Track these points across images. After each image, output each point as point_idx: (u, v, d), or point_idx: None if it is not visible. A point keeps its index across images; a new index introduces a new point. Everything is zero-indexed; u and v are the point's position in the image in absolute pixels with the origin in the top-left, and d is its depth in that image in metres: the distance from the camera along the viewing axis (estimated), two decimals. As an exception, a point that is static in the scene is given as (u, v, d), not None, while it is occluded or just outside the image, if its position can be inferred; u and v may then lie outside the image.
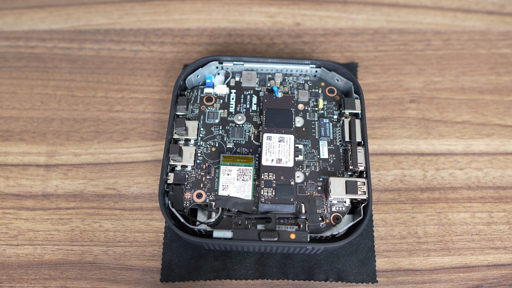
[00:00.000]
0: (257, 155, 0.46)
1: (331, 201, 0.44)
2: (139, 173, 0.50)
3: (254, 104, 0.49)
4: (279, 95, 0.48)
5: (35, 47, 0.58)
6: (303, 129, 0.47)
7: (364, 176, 0.44)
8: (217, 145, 0.46)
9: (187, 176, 0.45)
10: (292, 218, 0.43)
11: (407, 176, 0.50)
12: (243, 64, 0.50)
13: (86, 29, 0.59)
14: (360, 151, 0.45)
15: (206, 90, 0.49)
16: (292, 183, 0.44)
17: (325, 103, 0.49)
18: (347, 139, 0.46)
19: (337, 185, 0.44)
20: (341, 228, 0.43)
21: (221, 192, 0.43)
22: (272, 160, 0.45)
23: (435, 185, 0.50)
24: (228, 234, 0.41)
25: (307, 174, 0.45)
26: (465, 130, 0.53)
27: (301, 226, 0.42)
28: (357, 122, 0.47)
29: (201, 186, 0.44)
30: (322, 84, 0.50)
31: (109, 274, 0.46)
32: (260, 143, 0.47)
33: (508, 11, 0.61)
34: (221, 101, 0.49)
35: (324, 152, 0.46)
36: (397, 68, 0.56)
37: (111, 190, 0.49)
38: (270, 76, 0.50)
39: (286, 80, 0.50)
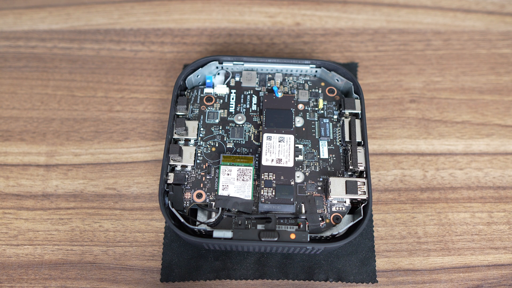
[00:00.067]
0: (257, 155, 0.46)
1: (331, 201, 0.44)
2: (139, 173, 0.50)
3: (254, 104, 0.49)
4: (279, 95, 0.48)
5: (35, 47, 0.58)
6: (303, 129, 0.47)
7: (364, 176, 0.44)
8: (217, 145, 0.46)
9: (187, 176, 0.45)
10: (292, 218, 0.43)
11: (407, 176, 0.50)
12: (243, 64, 0.50)
13: (86, 29, 0.59)
14: (360, 151, 0.45)
15: (206, 90, 0.49)
16: (292, 183, 0.44)
17: (325, 103, 0.49)
18: (347, 139, 0.46)
19: (337, 185, 0.44)
20: (341, 228, 0.43)
21: (221, 192, 0.43)
22: (272, 160, 0.45)
23: (435, 185, 0.50)
24: (228, 234, 0.41)
25: (307, 174, 0.45)
26: (465, 130, 0.53)
27: (301, 226, 0.42)
28: (357, 122, 0.47)
29: (201, 186, 0.44)
30: (322, 84, 0.50)
31: (109, 274, 0.46)
32: (260, 143, 0.47)
33: (508, 11, 0.61)
34: (221, 101, 0.49)
35: (324, 152, 0.46)
36: (397, 68, 0.56)
37: (111, 190, 0.49)
38: (270, 76, 0.50)
39: (286, 80, 0.50)
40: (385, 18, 0.60)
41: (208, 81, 0.49)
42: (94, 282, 0.45)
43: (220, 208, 0.43)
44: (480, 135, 0.53)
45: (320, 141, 0.47)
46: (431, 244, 0.47)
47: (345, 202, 0.44)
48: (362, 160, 0.45)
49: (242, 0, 0.61)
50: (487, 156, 0.51)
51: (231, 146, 0.46)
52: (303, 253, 0.45)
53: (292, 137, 0.46)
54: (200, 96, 0.49)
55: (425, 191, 0.49)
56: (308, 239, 0.41)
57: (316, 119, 0.48)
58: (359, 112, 0.47)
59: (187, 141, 0.46)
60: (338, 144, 0.47)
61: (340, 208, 0.44)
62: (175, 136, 0.46)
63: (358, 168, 0.44)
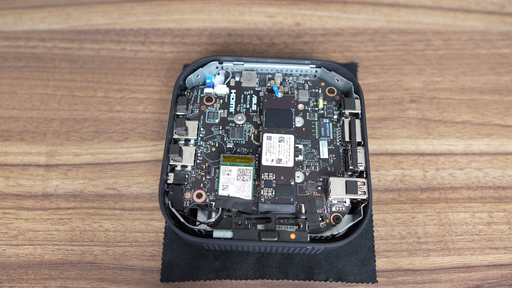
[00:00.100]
0: (257, 155, 0.46)
1: (331, 201, 0.44)
2: (139, 173, 0.50)
3: (254, 104, 0.49)
4: (279, 95, 0.48)
5: (35, 47, 0.58)
6: (303, 129, 0.47)
7: (364, 176, 0.44)
8: (217, 145, 0.46)
9: (187, 176, 0.45)
10: (292, 218, 0.43)
11: (407, 176, 0.50)
12: (243, 64, 0.50)
13: (86, 29, 0.59)
14: (360, 151, 0.45)
15: (206, 90, 0.49)
16: (292, 183, 0.44)
17: (325, 103, 0.49)
18: (347, 139, 0.46)
19: (337, 185, 0.44)
20: (341, 228, 0.43)
21: (221, 192, 0.43)
22: (272, 160, 0.45)
23: (435, 185, 0.50)
24: (228, 234, 0.41)
25: (307, 174, 0.45)
26: (465, 130, 0.53)
27: (301, 226, 0.42)
28: (357, 122, 0.47)
29: (201, 186, 0.44)
30: (322, 84, 0.50)
31: (109, 274, 0.46)
32: (260, 143, 0.47)
33: (508, 11, 0.61)
34: (221, 101, 0.49)
35: (324, 152, 0.46)
36: (397, 68, 0.56)
37: (111, 190, 0.49)
38: (270, 76, 0.50)
39: (286, 80, 0.50)
40: (385, 18, 0.60)
41: (208, 81, 0.49)
42: (94, 282, 0.45)
43: (220, 208, 0.43)
44: (480, 135, 0.53)
45: (320, 141, 0.47)
46: (431, 244, 0.47)
47: (345, 202, 0.44)
48: (362, 160, 0.45)
49: (242, 0, 0.61)
50: (487, 156, 0.51)
51: (231, 146, 0.46)
52: (303, 253, 0.45)
53: (292, 137, 0.46)
54: (200, 96, 0.49)
55: (425, 191, 0.49)
56: (308, 239, 0.41)
57: (316, 119, 0.48)
58: (359, 112, 0.47)
59: (187, 141, 0.46)
60: (338, 144, 0.47)
61: (340, 208, 0.44)
62: (175, 136, 0.46)
63: (358, 168, 0.44)
